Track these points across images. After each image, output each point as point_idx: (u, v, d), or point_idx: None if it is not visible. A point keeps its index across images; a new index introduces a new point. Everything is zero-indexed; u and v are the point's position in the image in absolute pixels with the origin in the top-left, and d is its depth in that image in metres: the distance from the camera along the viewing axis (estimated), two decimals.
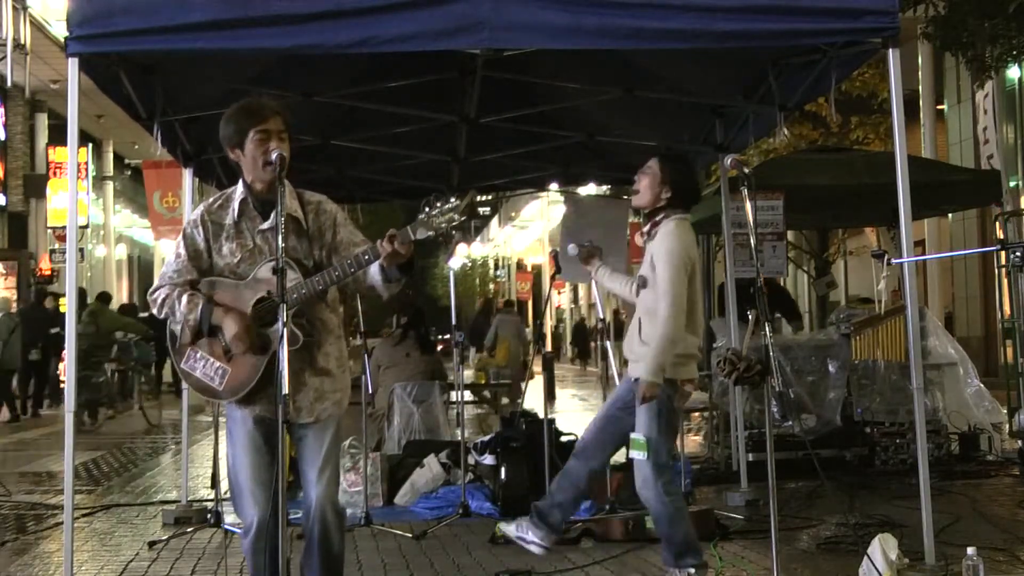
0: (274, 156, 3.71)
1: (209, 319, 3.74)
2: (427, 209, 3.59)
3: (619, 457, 9.03)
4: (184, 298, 3.77)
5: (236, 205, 3.85)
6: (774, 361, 4.11)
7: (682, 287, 4.69)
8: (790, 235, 11.35)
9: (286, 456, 3.57)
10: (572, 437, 8.15)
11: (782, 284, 10.69)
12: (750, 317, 4.32)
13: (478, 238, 58.44)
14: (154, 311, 3.87)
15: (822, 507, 6.81)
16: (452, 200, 3.58)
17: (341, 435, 4.00)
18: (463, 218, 3.59)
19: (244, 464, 3.78)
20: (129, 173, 29.53)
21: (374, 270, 3.75)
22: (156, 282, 3.88)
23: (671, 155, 5.23)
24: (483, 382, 11.19)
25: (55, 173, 22.12)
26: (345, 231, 3.89)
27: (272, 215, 3.74)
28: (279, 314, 3.53)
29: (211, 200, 3.94)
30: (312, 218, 3.87)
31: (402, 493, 7.44)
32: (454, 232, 3.69)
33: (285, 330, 3.51)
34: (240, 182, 3.88)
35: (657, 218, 4.84)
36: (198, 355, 3.80)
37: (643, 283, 4.81)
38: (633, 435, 4.74)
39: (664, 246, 4.75)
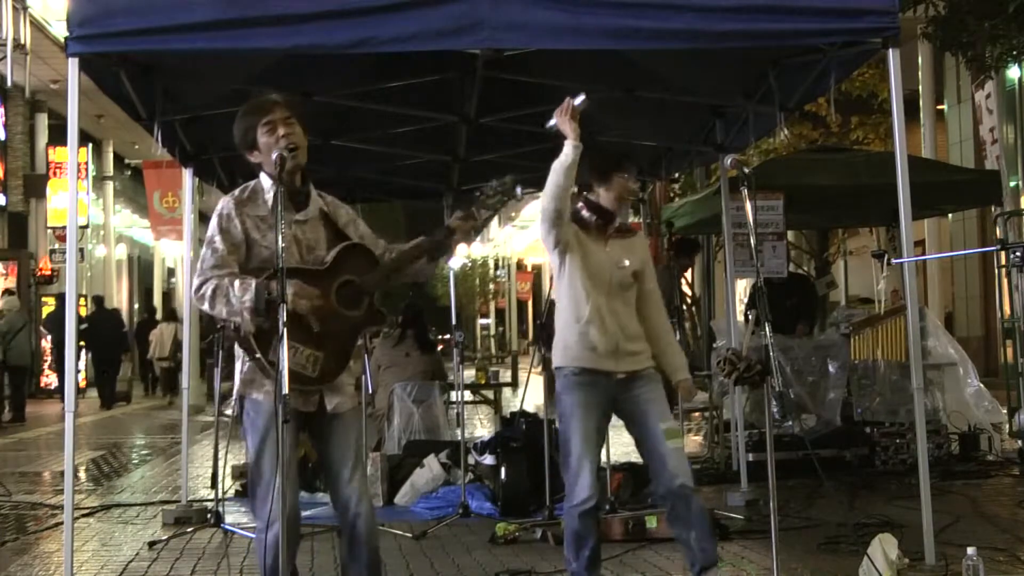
0: (274, 156, 3.71)
1: (265, 296, 3.61)
2: (478, 194, 3.97)
3: (617, 456, 9.04)
4: (236, 282, 3.66)
5: (268, 197, 3.81)
6: (774, 361, 4.11)
7: None
8: (790, 235, 11.35)
9: (286, 455, 3.56)
10: None
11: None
12: (750, 317, 4.32)
13: (478, 238, 58.44)
14: (203, 307, 3.75)
15: (822, 507, 6.80)
16: (501, 182, 4.01)
17: (360, 429, 4.03)
18: (508, 200, 4.05)
19: (275, 460, 3.65)
20: (129, 173, 29.55)
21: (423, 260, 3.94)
22: (196, 280, 3.75)
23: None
24: (483, 382, 11.15)
25: (55, 173, 22.14)
26: (363, 226, 3.98)
27: (307, 208, 3.84)
28: (279, 314, 3.51)
29: (238, 192, 3.89)
30: (332, 214, 3.92)
31: (402, 493, 7.44)
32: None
33: (285, 331, 3.50)
34: (263, 176, 3.87)
35: (620, 218, 4.75)
36: (284, 343, 3.67)
37: (636, 277, 4.63)
38: (666, 424, 4.46)
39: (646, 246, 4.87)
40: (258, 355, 3.71)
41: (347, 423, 3.87)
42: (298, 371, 3.71)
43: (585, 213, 4.66)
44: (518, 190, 4.09)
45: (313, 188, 3.91)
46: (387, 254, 3.94)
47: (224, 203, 3.87)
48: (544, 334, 7.76)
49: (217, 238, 3.78)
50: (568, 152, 4.48)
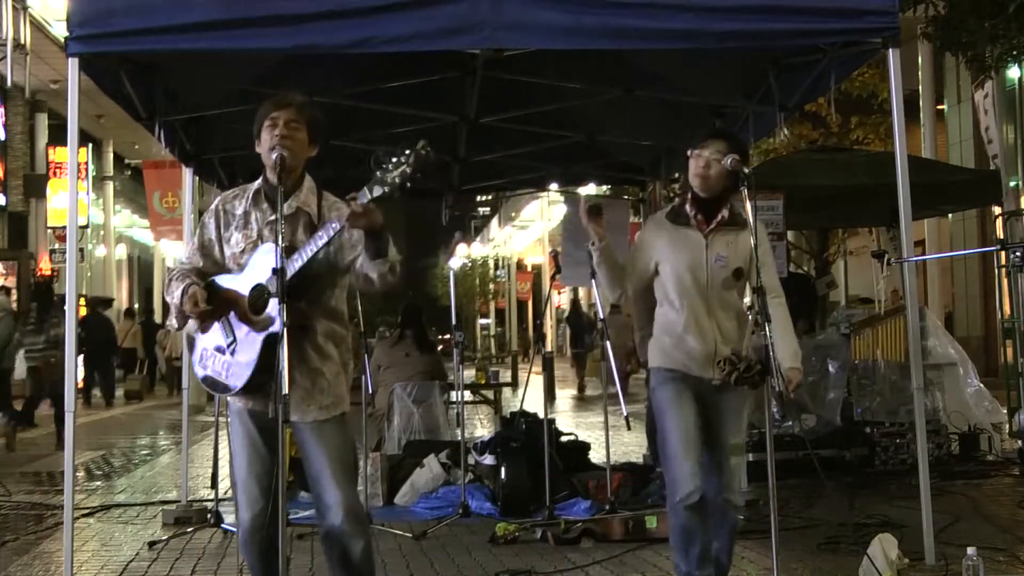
0: (274, 156, 3.71)
1: (186, 298, 3.70)
2: (378, 169, 3.51)
3: (617, 456, 9.03)
4: (179, 278, 3.77)
5: (250, 195, 3.84)
6: (774, 361, 4.10)
7: None
8: (790, 235, 11.35)
9: (287, 456, 3.56)
10: (572, 437, 8.17)
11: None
12: (750, 317, 4.29)
13: (478, 238, 58.46)
14: (166, 296, 3.89)
15: (822, 507, 6.80)
16: (405, 153, 3.48)
17: (346, 437, 3.93)
18: (417, 173, 3.48)
19: (239, 459, 3.79)
20: (129, 173, 29.55)
21: (365, 257, 3.68)
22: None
23: (731, 133, 4.71)
24: (483, 382, 11.15)
25: (55, 173, 22.14)
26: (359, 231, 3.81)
27: (284, 205, 3.72)
28: (279, 313, 3.52)
29: (230, 191, 3.96)
30: (325, 213, 3.84)
31: (402, 493, 7.44)
32: (408, 185, 3.48)
33: (285, 330, 3.50)
34: (262, 175, 3.88)
35: (727, 204, 4.40)
36: (208, 352, 3.80)
37: (741, 276, 4.38)
38: (736, 440, 4.37)
39: (768, 243, 4.43)
40: (196, 365, 3.83)
41: (322, 432, 3.75)
42: (216, 378, 3.78)
43: (687, 208, 4.45)
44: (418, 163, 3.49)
45: (308, 188, 3.85)
46: (358, 259, 3.77)
47: (217, 199, 3.97)
48: (540, 335, 7.79)
49: (197, 233, 3.93)
50: (593, 255, 4.48)
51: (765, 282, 4.27)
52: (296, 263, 3.62)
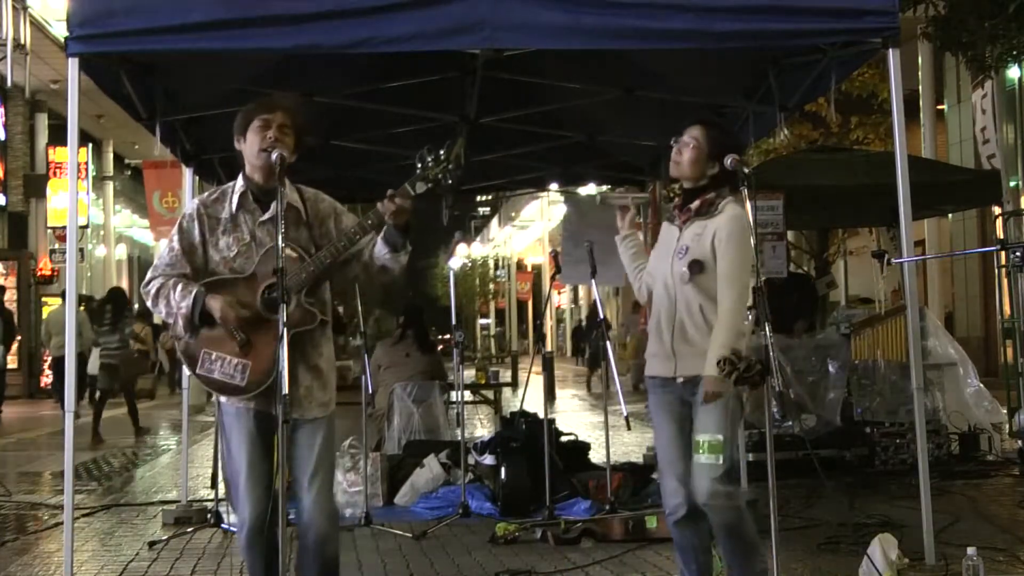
0: (275, 156, 3.71)
1: (202, 306, 3.69)
2: (420, 164, 3.67)
3: (617, 456, 9.03)
4: (179, 286, 3.74)
5: (235, 198, 3.84)
6: (774, 361, 4.09)
7: (748, 279, 4.14)
8: (790, 235, 11.35)
9: (287, 455, 3.56)
10: (572, 437, 8.17)
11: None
12: (750, 316, 4.26)
13: (478, 238, 58.50)
14: (148, 303, 3.84)
15: (822, 507, 6.80)
16: (442, 151, 3.67)
17: (335, 438, 3.96)
18: (454, 166, 3.69)
19: (240, 460, 3.77)
20: (129, 173, 29.58)
21: (380, 249, 3.76)
22: (149, 274, 3.85)
23: (715, 122, 4.63)
24: (483, 382, 11.16)
25: (55, 173, 22.16)
26: (348, 218, 3.89)
27: (272, 205, 3.73)
28: (279, 313, 3.53)
29: (207, 194, 3.94)
30: (311, 206, 3.87)
31: (402, 493, 7.44)
32: (450, 182, 3.70)
33: (285, 329, 3.51)
34: (240, 176, 3.88)
35: (708, 195, 4.24)
36: (213, 356, 3.76)
37: (700, 268, 4.16)
38: (703, 436, 4.11)
39: (736, 231, 4.14)
40: (198, 371, 3.78)
41: (313, 430, 3.77)
42: (226, 381, 3.75)
43: (675, 204, 4.39)
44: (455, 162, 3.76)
45: (290, 186, 3.85)
46: (365, 251, 3.83)
47: (192, 204, 3.94)
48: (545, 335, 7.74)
49: (175, 237, 3.85)
50: (618, 244, 4.56)
51: (720, 271, 4.14)
52: (326, 259, 3.71)
